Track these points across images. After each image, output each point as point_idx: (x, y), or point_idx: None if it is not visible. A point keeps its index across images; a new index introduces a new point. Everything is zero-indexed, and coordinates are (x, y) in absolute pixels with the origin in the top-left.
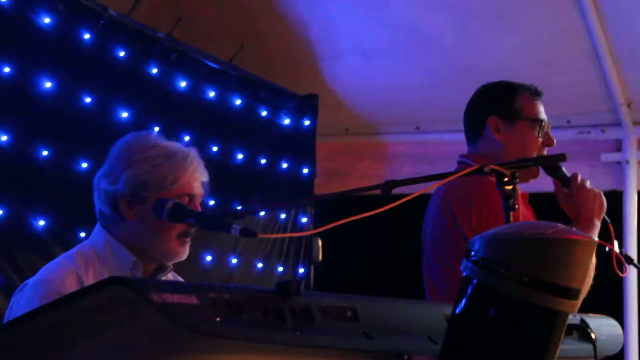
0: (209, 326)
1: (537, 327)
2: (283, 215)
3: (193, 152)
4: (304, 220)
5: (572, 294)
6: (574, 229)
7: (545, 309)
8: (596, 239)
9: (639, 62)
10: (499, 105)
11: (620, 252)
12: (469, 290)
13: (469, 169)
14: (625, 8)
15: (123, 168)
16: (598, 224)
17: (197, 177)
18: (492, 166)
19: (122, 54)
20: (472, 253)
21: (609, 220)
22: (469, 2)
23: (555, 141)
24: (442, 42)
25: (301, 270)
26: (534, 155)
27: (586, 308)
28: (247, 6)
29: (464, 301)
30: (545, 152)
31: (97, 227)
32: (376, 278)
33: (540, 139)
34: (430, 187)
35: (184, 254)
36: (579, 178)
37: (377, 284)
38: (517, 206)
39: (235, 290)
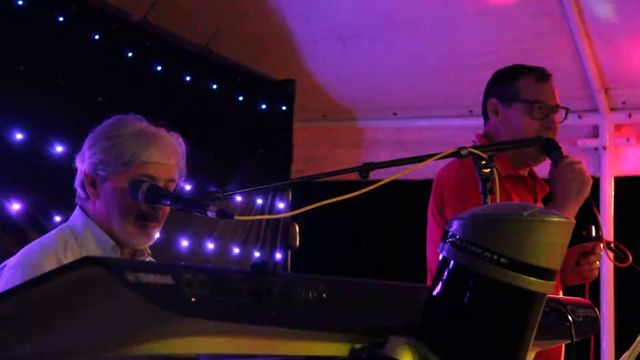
0: (185, 306)
1: (514, 308)
2: (260, 201)
3: (163, 135)
4: (281, 205)
5: (549, 275)
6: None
7: (522, 290)
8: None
9: (616, 47)
10: (498, 88)
11: (598, 237)
12: (446, 272)
13: (445, 152)
14: None
15: (88, 147)
16: (572, 205)
17: (160, 160)
18: (469, 149)
19: (96, 37)
20: (450, 234)
21: (593, 204)
22: None
23: (557, 124)
24: (419, 27)
25: (278, 256)
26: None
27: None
28: None
29: (441, 282)
30: (548, 135)
31: (77, 209)
32: (354, 263)
33: (539, 122)
34: (407, 170)
35: (146, 238)
36: (568, 159)
37: (354, 269)
38: (494, 189)
39: (211, 270)
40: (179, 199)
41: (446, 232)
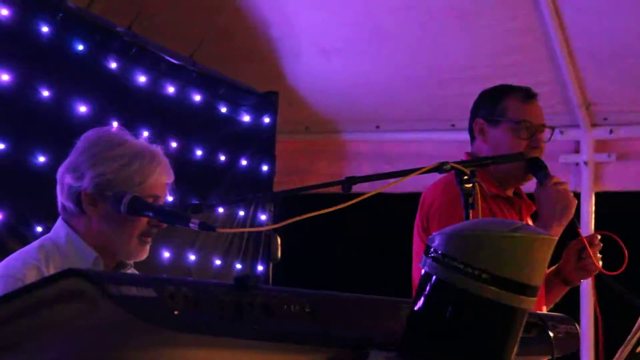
0: (167, 319)
1: (496, 324)
2: (242, 213)
3: (159, 152)
4: (263, 217)
5: (531, 291)
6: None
7: (504, 306)
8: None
9: (598, 63)
10: (484, 108)
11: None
12: (427, 287)
13: (428, 167)
14: (585, 9)
15: (89, 165)
16: (557, 225)
17: (164, 179)
18: (452, 164)
19: (80, 47)
20: (432, 249)
21: (577, 225)
22: (427, 2)
23: (543, 144)
24: (402, 41)
25: (260, 268)
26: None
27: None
28: (207, 2)
29: (423, 297)
30: (535, 155)
31: (59, 221)
32: (336, 277)
33: (526, 142)
34: (390, 185)
35: (144, 253)
36: (554, 180)
37: (336, 283)
38: (476, 204)
39: (194, 283)
40: (161, 211)
41: (428, 247)
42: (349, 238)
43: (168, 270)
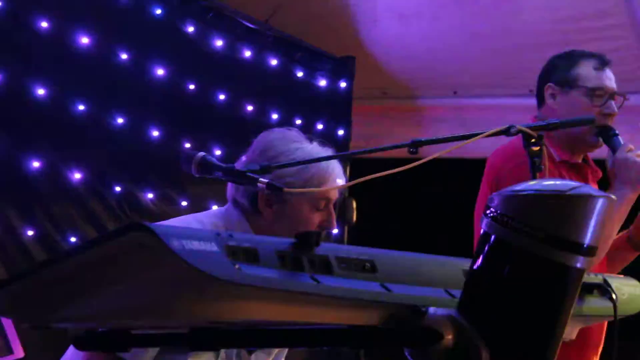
0: (228, 273)
1: (551, 283)
2: None
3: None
4: (339, 181)
5: (588, 250)
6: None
7: (560, 265)
8: (627, 206)
9: None
10: (556, 73)
11: None
12: (486, 246)
13: (495, 130)
14: None
15: (273, 162)
16: (631, 192)
17: (338, 183)
18: (519, 127)
19: (158, 11)
20: (491, 209)
21: None
22: None
23: (615, 111)
24: (479, 6)
25: (335, 231)
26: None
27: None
28: None
29: (481, 257)
30: (607, 122)
31: (230, 209)
32: (409, 240)
33: (598, 108)
34: (455, 147)
35: None
36: (627, 147)
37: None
38: (542, 166)
39: (255, 239)
40: (229, 170)
41: (487, 206)
42: (423, 202)
43: None
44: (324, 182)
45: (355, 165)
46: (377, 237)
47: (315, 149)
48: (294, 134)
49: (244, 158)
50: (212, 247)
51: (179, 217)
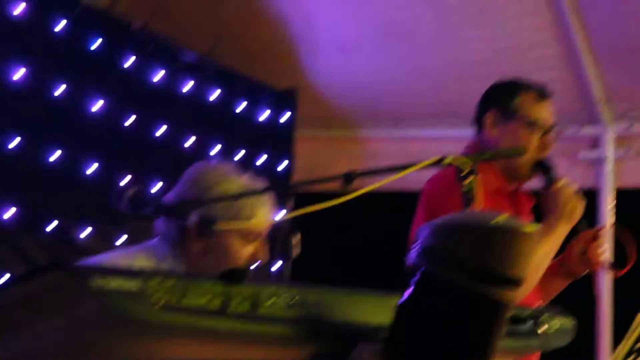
0: (149, 313)
1: (479, 316)
2: None
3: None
4: (281, 214)
5: (514, 283)
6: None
7: (487, 298)
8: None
9: (618, 58)
10: (498, 101)
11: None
12: (414, 279)
13: (427, 162)
14: (604, 4)
15: (197, 199)
16: (563, 227)
17: (269, 219)
18: (452, 158)
19: (96, 45)
20: (419, 241)
21: (586, 227)
22: None
23: (551, 145)
24: (420, 37)
25: (277, 264)
26: (526, 156)
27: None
28: (225, 0)
29: (410, 289)
30: (543, 154)
31: (159, 243)
32: (354, 274)
33: (536, 141)
34: (391, 179)
35: None
36: (562, 182)
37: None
38: (476, 197)
39: (180, 276)
40: (159, 205)
41: (416, 239)
42: (367, 236)
43: None
44: (253, 216)
45: (299, 199)
46: (320, 272)
47: (245, 182)
48: (224, 167)
49: (173, 191)
50: (134, 286)
51: (107, 254)
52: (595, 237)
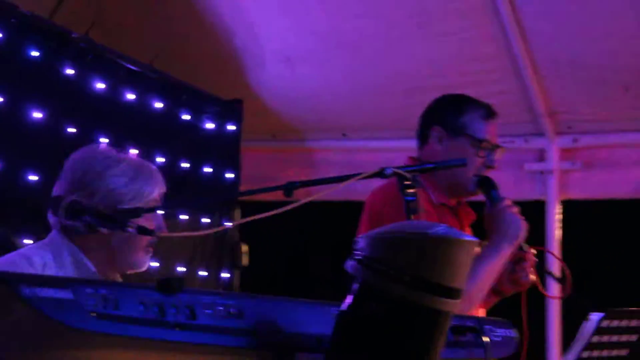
0: (82, 321)
1: (418, 326)
2: (207, 220)
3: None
4: (229, 225)
5: (453, 293)
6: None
7: (426, 308)
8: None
9: (561, 71)
10: (444, 117)
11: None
12: (352, 289)
13: (369, 173)
14: (545, 18)
15: (99, 182)
16: (508, 247)
17: (163, 188)
18: (394, 169)
19: (35, 53)
20: (357, 252)
21: (525, 249)
22: (389, 10)
23: (495, 165)
24: (365, 49)
25: (225, 275)
26: (471, 173)
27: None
28: (168, 10)
29: (348, 300)
30: (486, 173)
31: (55, 236)
32: (304, 283)
33: (482, 159)
34: (331, 189)
35: (147, 263)
36: (506, 202)
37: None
38: (419, 208)
39: (114, 285)
40: (98, 214)
41: (353, 249)
42: (310, 245)
43: (129, 277)
44: (153, 190)
45: (246, 208)
46: (268, 281)
47: (136, 159)
48: (105, 149)
49: (59, 186)
50: (68, 294)
51: (4, 257)
52: (522, 259)
